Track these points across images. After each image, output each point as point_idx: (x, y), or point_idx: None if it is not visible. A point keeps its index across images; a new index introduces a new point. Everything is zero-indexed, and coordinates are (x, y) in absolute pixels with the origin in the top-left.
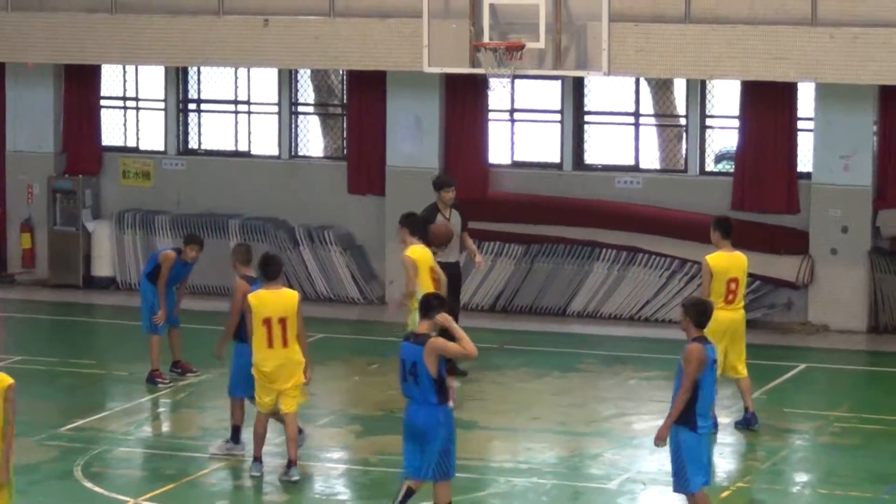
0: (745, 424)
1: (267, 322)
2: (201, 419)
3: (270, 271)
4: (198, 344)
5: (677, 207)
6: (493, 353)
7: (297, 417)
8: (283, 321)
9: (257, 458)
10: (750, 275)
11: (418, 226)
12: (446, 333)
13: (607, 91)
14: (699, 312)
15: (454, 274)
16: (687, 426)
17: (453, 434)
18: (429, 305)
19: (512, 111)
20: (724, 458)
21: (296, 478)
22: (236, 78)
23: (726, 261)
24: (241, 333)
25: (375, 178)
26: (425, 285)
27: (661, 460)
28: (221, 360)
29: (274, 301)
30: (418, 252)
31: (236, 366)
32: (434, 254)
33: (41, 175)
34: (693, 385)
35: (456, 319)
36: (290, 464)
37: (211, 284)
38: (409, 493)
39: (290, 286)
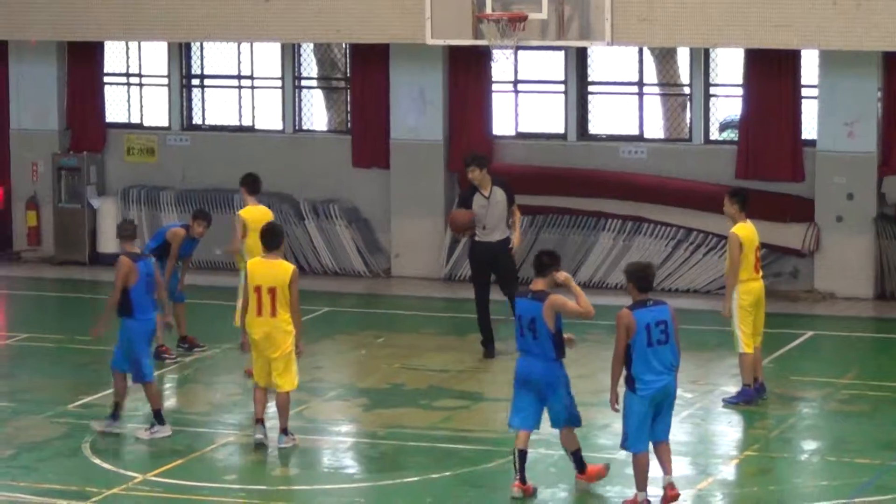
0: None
1: (258, 290)
2: (209, 394)
3: (270, 242)
4: (204, 320)
5: (682, 177)
6: (499, 325)
7: (289, 397)
8: (272, 291)
9: (259, 421)
10: None
11: (255, 186)
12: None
13: (611, 61)
14: (641, 277)
15: (499, 253)
16: (628, 388)
17: (569, 385)
18: (542, 264)
19: (515, 82)
20: (733, 427)
21: (282, 445)
22: (239, 53)
23: (751, 231)
24: (125, 309)
25: (380, 151)
26: (255, 246)
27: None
28: (100, 337)
29: (267, 270)
30: (250, 213)
31: (121, 340)
32: (472, 234)
33: (46, 152)
34: (624, 349)
35: (511, 299)
36: (281, 431)
37: (217, 260)
38: (523, 454)
39: (296, 260)
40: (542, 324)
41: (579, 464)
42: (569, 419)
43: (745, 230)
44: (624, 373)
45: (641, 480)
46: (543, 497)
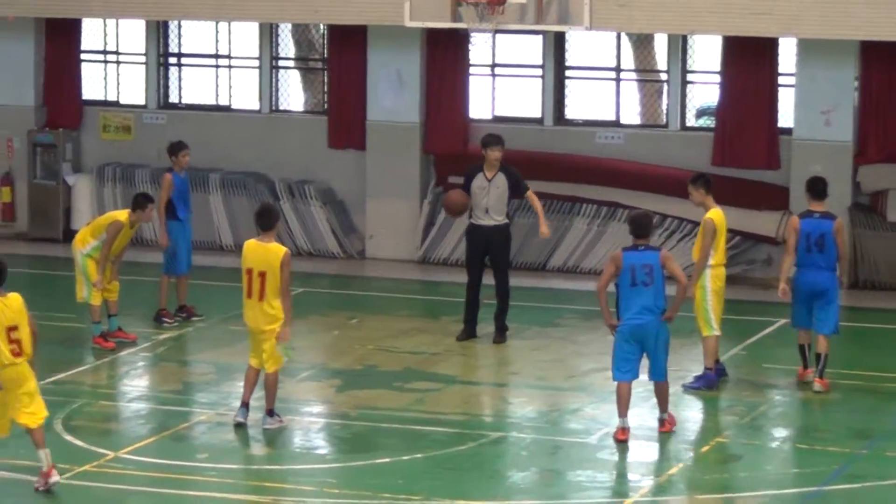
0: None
1: (249, 272)
2: (182, 373)
3: (264, 222)
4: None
5: (658, 163)
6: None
7: (277, 377)
8: (262, 275)
9: (244, 404)
10: (730, 230)
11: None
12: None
13: (588, 46)
14: (637, 225)
15: (489, 238)
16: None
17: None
18: (820, 190)
19: (493, 66)
20: (703, 414)
21: (266, 426)
22: (217, 32)
23: (723, 217)
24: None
25: (356, 132)
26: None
27: (640, 414)
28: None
29: (259, 253)
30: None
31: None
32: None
33: (21, 128)
34: (606, 281)
35: (502, 284)
36: (266, 412)
37: (194, 239)
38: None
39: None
40: (830, 239)
41: (823, 368)
42: (834, 326)
43: (719, 215)
44: None
45: (621, 408)
46: (515, 480)
